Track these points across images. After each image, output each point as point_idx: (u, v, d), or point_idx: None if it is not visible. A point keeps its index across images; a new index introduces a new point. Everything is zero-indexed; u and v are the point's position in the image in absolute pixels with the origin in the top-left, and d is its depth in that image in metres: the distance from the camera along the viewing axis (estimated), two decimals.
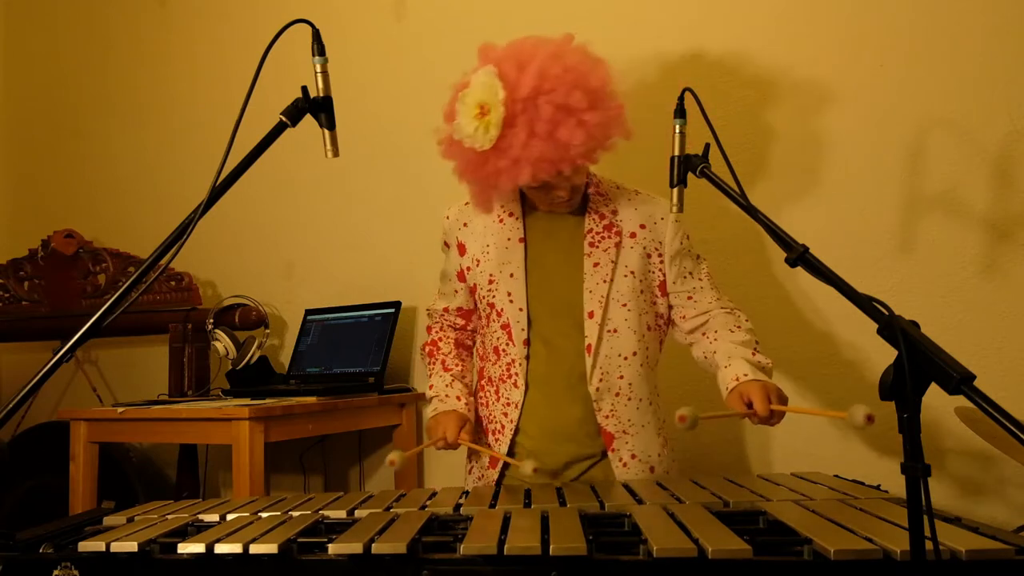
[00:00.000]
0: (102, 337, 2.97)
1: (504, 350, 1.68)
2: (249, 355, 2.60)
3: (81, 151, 3.34)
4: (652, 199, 1.72)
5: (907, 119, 2.04)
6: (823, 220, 2.10)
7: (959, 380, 0.86)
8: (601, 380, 1.63)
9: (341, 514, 1.31)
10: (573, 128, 1.46)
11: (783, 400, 1.47)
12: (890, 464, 2.00)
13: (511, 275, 1.67)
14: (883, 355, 0.89)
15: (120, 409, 2.30)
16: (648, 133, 2.31)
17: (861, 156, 2.08)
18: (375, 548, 1.06)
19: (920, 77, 2.03)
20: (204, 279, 2.97)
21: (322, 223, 2.82)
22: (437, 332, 1.84)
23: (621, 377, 1.65)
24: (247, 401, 2.26)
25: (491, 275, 1.69)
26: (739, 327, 1.66)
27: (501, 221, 1.70)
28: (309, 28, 1.35)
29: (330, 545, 1.09)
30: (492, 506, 1.33)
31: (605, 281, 1.64)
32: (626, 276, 1.66)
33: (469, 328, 1.83)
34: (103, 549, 1.15)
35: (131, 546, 1.14)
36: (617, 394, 1.64)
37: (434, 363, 1.80)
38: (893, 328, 0.93)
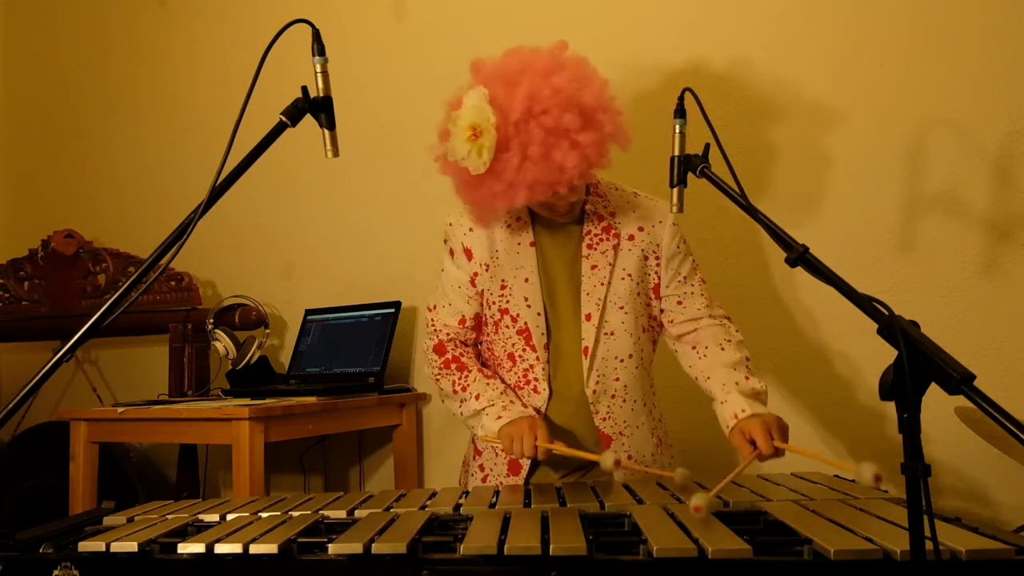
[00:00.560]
0: (102, 337, 2.97)
1: (520, 356, 1.65)
2: (249, 355, 2.60)
3: (81, 151, 3.34)
4: (651, 201, 1.72)
5: (907, 119, 2.04)
6: (823, 220, 2.10)
7: (959, 380, 0.86)
8: (598, 383, 1.63)
9: (341, 514, 1.31)
10: (567, 150, 1.45)
11: (784, 428, 1.48)
12: (890, 464, 2.00)
13: (526, 280, 1.65)
14: (883, 355, 0.89)
15: (120, 409, 2.30)
16: (648, 133, 2.30)
17: (861, 156, 2.08)
18: (375, 548, 1.06)
19: (920, 77, 2.03)
20: (204, 279, 2.97)
21: (322, 223, 2.82)
22: (454, 349, 1.71)
23: (617, 379, 1.65)
24: (247, 401, 2.26)
25: (503, 280, 1.66)
26: (729, 341, 1.65)
27: (508, 226, 1.68)
28: (309, 28, 1.35)
29: (330, 545, 1.09)
30: (492, 506, 1.33)
31: (602, 284, 1.64)
32: (623, 279, 1.65)
33: (479, 341, 1.77)
34: (103, 549, 1.14)
35: (131, 546, 1.14)
36: (613, 396, 1.65)
37: (467, 373, 1.67)
38: (893, 328, 0.93)
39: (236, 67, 2.91)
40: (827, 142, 2.12)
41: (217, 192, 1.31)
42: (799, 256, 1.15)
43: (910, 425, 0.87)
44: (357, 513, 1.31)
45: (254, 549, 1.10)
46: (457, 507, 1.32)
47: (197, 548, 1.12)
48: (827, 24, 2.12)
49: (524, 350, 1.65)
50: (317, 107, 1.37)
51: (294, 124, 1.36)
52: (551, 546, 1.02)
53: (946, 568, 0.95)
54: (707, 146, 1.44)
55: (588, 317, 1.63)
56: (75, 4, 3.38)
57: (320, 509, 1.34)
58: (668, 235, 1.69)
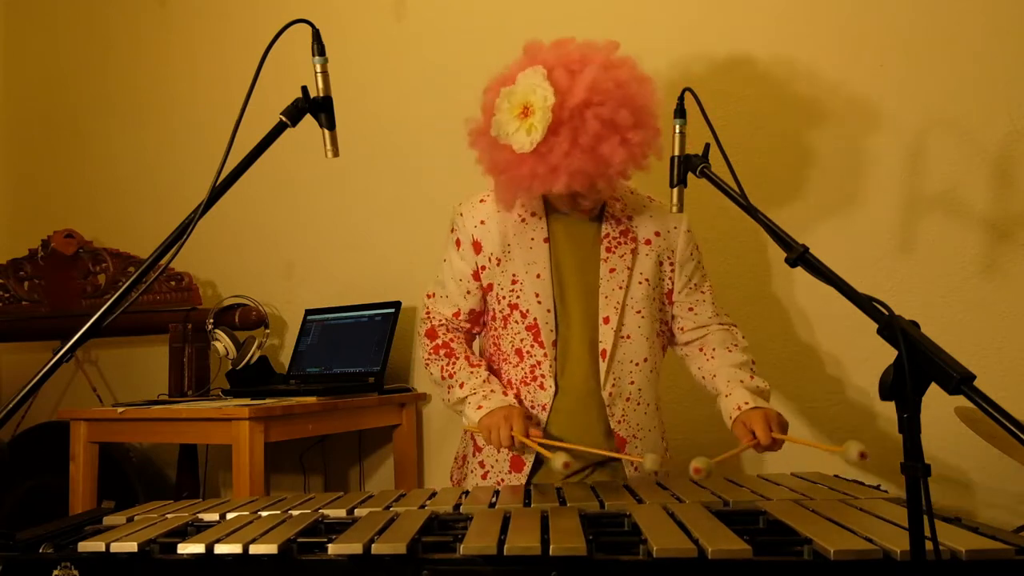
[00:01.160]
0: (102, 337, 2.97)
1: (528, 352, 1.65)
2: (249, 355, 2.60)
3: (81, 151, 3.34)
4: (665, 207, 1.72)
5: (907, 119, 2.04)
6: (823, 220, 2.10)
7: (959, 380, 0.86)
8: (614, 385, 1.64)
9: (341, 514, 1.31)
10: (616, 145, 1.46)
11: (783, 424, 1.53)
12: (890, 464, 2.00)
13: (538, 276, 1.65)
14: (883, 355, 0.89)
15: (120, 409, 2.30)
16: None
17: (861, 156, 2.08)
18: (375, 548, 1.06)
19: (920, 77, 2.03)
20: (204, 279, 2.97)
21: (322, 223, 2.82)
22: (445, 335, 1.74)
23: (632, 383, 1.66)
24: (247, 401, 2.26)
25: (515, 275, 1.66)
26: (736, 345, 1.69)
27: (523, 220, 1.67)
28: (309, 28, 1.35)
29: (330, 545, 1.09)
30: (492, 506, 1.33)
31: (621, 287, 1.64)
32: (641, 283, 1.66)
33: (474, 332, 1.79)
34: (103, 549, 1.14)
35: (131, 546, 1.14)
36: (628, 399, 1.65)
37: (454, 361, 1.69)
38: (893, 328, 0.93)
39: (236, 67, 2.91)
40: (827, 142, 2.12)
41: (217, 192, 1.31)
42: (799, 256, 1.15)
43: (910, 425, 0.87)
44: (357, 513, 1.31)
45: (254, 549, 1.10)
46: (457, 507, 1.32)
47: (197, 548, 1.12)
48: (827, 24, 2.12)
49: (532, 346, 1.64)
50: (317, 107, 1.37)
51: (294, 124, 1.36)
52: (551, 546, 1.02)
53: (946, 568, 0.95)
54: (707, 146, 1.44)
55: (607, 320, 1.63)
56: (75, 4, 3.38)
57: (320, 509, 1.34)
58: (683, 241, 1.70)
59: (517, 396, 1.66)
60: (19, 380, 3.12)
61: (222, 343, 2.61)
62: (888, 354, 0.90)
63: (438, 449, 2.60)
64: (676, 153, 1.48)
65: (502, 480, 1.68)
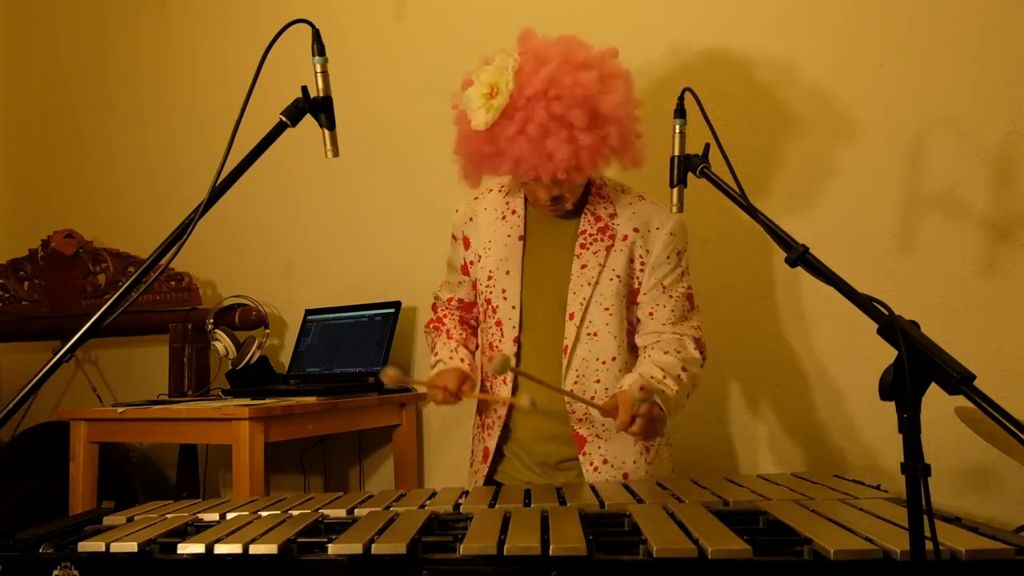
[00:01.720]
0: (102, 337, 2.97)
1: (497, 346, 1.69)
2: (249, 355, 2.60)
3: (81, 151, 3.34)
4: (655, 207, 1.68)
5: (907, 119, 2.04)
6: (823, 220, 2.10)
7: (959, 380, 0.86)
8: (576, 383, 1.63)
9: (341, 514, 1.31)
10: (562, 141, 1.47)
11: (655, 420, 1.48)
12: (890, 464, 2.00)
13: (507, 272, 1.68)
14: (883, 355, 0.89)
15: (120, 409, 2.30)
16: (647, 133, 2.30)
17: (861, 156, 2.08)
18: (375, 548, 1.06)
19: (920, 77, 2.03)
20: (204, 279, 2.97)
21: (322, 223, 2.82)
22: (442, 311, 1.85)
23: (598, 381, 1.63)
24: (247, 401, 2.26)
25: (490, 271, 1.70)
26: (678, 351, 1.62)
27: (504, 218, 1.71)
28: (309, 28, 1.35)
29: (330, 545, 1.09)
30: (492, 506, 1.33)
31: (590, 284, 1.63)
32: (611, 280, 1.64)
33: (472, 316, 1.85)
34: (103, 549, 1.15)
35: (131, 546, 1.14)
36: (592, 398, 1.62)
37: (439, 335, 1.79)
38: (893, 328, 0.93)
39: (236, 67, 2.91)
40: (827, 142, 2.12)
41: (217, 192, 1.31)
42: (799, 256, 1.15)
43: (910, 425, 0.87)
44: (357, 513, 1.31)
45: (254, 549, 1.10)
46: (457, 507, 1.32)
47: (197, 548, 1.12)
48: (827, 24, 2.12)
49: (500, 341, 1.68)
50: (317, 107, 1.37)
51: (294, 124, 1.36)
52: (551, 546, 1.02)
53: (946, 568, 0.95)
54: (707, 146, 1.44)
55: (571, 316, 1.63)
56: (75, 4, 3.38)
57: (320, 509, 1.34)
58: (662, 243, 1.65)
59: (492, 387, 1.72)
60: (19, 380, 3.12)
61: (222, 343, 2.61)
62: (888, 354, 0.90)
63: (438, 449, 2.60)
64: (676, 153, 1.48)
65: (476, 469, 1.75)
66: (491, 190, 1.77)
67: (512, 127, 1.48)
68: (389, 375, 1.44)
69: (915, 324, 0.94)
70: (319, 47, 1.36)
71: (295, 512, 1.33)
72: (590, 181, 1.68)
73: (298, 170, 2.77)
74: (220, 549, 1.11)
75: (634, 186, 1.76)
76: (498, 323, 1.68)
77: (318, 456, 2.74)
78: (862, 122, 2.08)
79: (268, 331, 2.72)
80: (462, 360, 1.69)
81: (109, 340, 3.09)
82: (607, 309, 1.63)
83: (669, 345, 1.64)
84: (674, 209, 1.49)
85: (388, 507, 1.34)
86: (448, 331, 1.79)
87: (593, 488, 1.43)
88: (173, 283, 2.91)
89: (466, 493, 1.46)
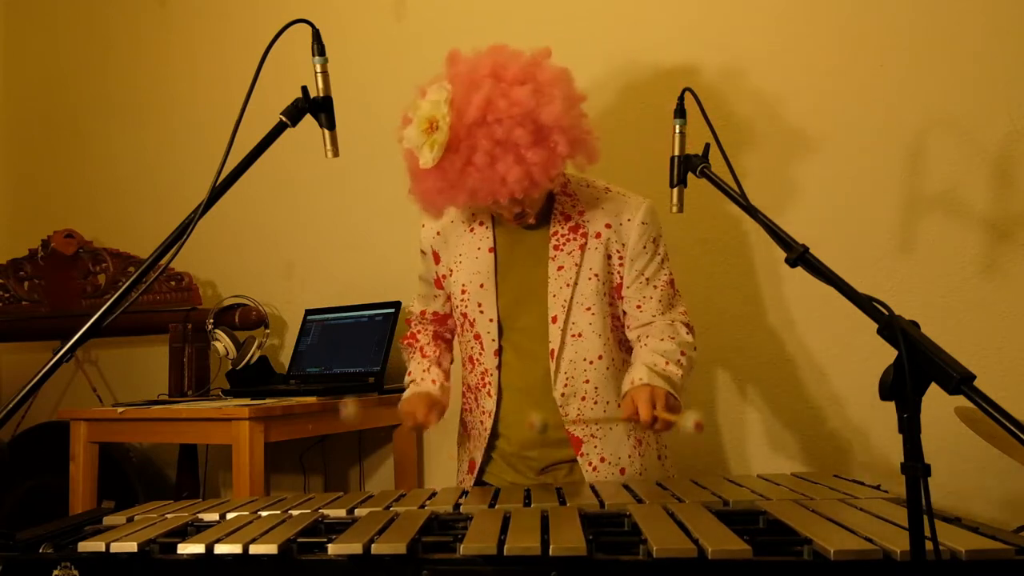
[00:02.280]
0: (102, 337, 2.97)
1: (478, 359, 1.68)
2: (249, 355, 2.60)
3: (81, 151, 3.34)
4: (622, 198, 1.67)
5: (907, 119, 2.04)
6: (823, 220, 2.10)
7: (959, 380, 0.86)
8: (566, 385, 1.62)
9: (341, 514, 1.31)
10: (511, 164, 1.45)
11: (673, 406, 1.47)
12: (890, 464, 2.00)
13: (481, 285, 1.66)
14: (883, 355, 0.89)
15: (120, 409, 2.30)
16: (647, 133, 2.31)
17: (861, 155, 2.08)
18: (375, 548, 1.06)
19: (920, 77, 2.03)
20: (204, 279, 2.97)
21: (322, 223, 2.82)
22: (416, 326, 1.85)
23: (587, 381, 1.63)
24: (247, 401, 2.26)
25: (463, 286, 1.68)
26: (672, 338, 1.62)
27: (472, 231, 1.70)
28: (309, 28, 1.35)
29: (330, 545, 1.09)
30: (492, 506, 1.33)
31: (568, 285, 1.62)
32: (590, 279, 1.62)
33: (446, 329, 1.85)
34: (103, 549, 1.15)
35: (131, 546, 1.14)
36: (583, 398, 1.63)
37: (413, 352, 1.81)
38: (893, 328, 0.93)
39: (236, 67, 2.91)
40: (827, 142, 2.12)
41: (217, 192, 1.31)
42: (799, 256, 1.15)
43: (910, 425, 0.87)
44: (357, 513, 1.31)
45: (254, 549, 1.10)
46: (457, 507, 1.32)
47: (197, 548, 1.12)
48: (827, 24, 2.12)
49: (480, 354, 1.68)
50: (317, 107, 1.37)
51: (294, 124, 1.36)
52: (551, 546, 1.02)
53: (946, 568, 0.95)
54: (707, 146, 1.44)
55: (554, 320, 1.62)
56: (75, 4, 3.38)
57: (320, 509, 1.34)
58: (636, 233, 1.64)
59: (475, 399, 1.71)
60: (19, 380, 3.12)
61: (222, 343, 2.61)
62: (888, 354, 0.90)
63: (438, 449, 2.60)
64: (676, 153, 1.47)
65: (463, 480, 1.76)
66: None
67: (459, 159, 1.45)
68: (347, 409, 1.48)
69: (915, 324, 0.94)
70: (319, 47, 1.36)
71: (295, 512, 1.33)
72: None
73: (298, 170, 2.77)
74: (220, 549, 1.11)
75: (630, 186, 1.76)
76: (476, 336, 1.67)
77: (318, 456, 2.74)
78: (862, 122, 2.08)
79: (268, 331, 2.72)
80: (433, 381, 1.69)
81: (109, 340, 3.09)
82: (589, 309, 1.62)
83: (663, 332, 1.63)
84: (674, 209, 1.49)
85: (388, 507, 1.34)
86: (422, 348, 1.80)
87: (593, 488, 1.43)
88: (173, 283, 2.91)
89: (466, 493, 1.46)
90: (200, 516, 1.34)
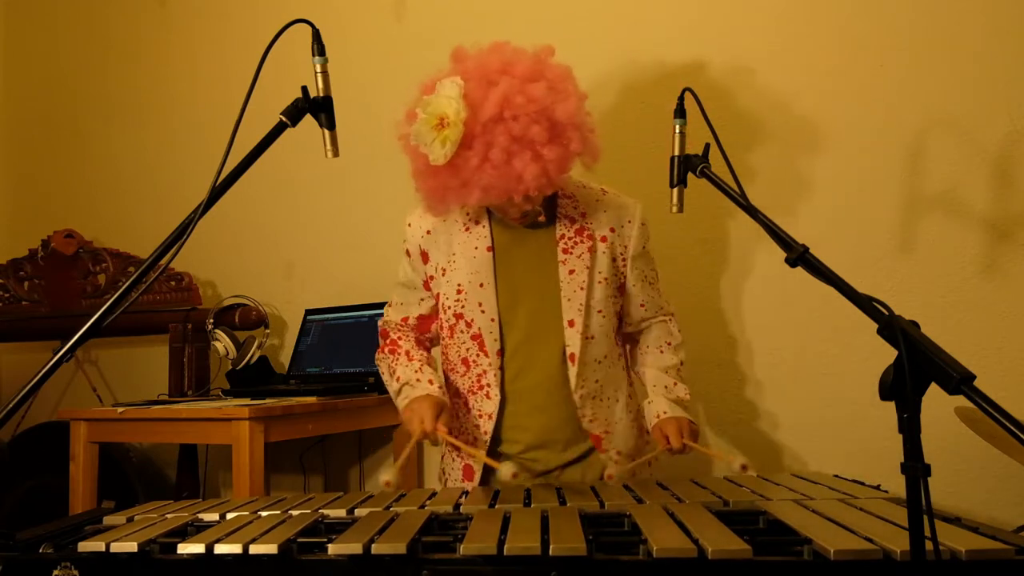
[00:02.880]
0: (102, 337, 2.97)
1: (475, 361, 1.64)
2: (249, 355, 2.60)
3: (81, 151, 3.34)
4: (620, 200, 1.70)
5: (907, 119, 2.04)
6: (823, 220, 2.10)
7: (959, 380, 0.86)
8: (583, 387, 1.63)
9: (341, 514, 1.31)
10: (528, 161, 1.44)
11: (695, 432, 1.64)
12: (890, 464, 2.00)
13: (481, 285, 1.63)
14: (883, 355, 0.89)
15: (120, 409, 2.30)
16: (647, 133, 2.31)
17: (861, 156, 2.08)
18: (375, 548, 1.06)
19: (920, 77, 2.03)
20: (204, 279, 2.97)
21: (322, 223, 2.82)
22: (395, 334, 1.76)
23: (597, 381, 1.65)
24: (247, 401, 2.26)
25: (459, 285, 1.64)
26: (669, 344, 1.75)
27: (467, 229, 1.66)
28: (309, 28, 1.35)
29: (330, 545, 1.09)
30: (492, 506, 1.33)
31: (582, 288, 1.62)
32: (600, 283, 1.64)
33: (425, 337, 1.78)
34: (103, 549, 1.15)
35: (131, 546, 1.14)
36: (595, 398, 1.65)
37: (397, 357, 1.70)
38: (893, 328, 0.93)
39: (236, 67, 2.91)
40: (827, 142, 2.12)
41: (217, 192, 1.31)
42: (799, 256, 1.15)
43: (910, 425, 0.87)
44: (357, 513, 1.31)
45: (254, 549, 1.10)
46: (457, 507, 1.32)
47: (197, 548, 1.12)
48: (827, 24, 2.12)
49: (478, 355, 1.64)
50: (317, 107, 1.37)
51: (294, 124, 1.36)
52: (551, 546, 1.02)
53: (946, 568, 0.96)
54: (707, 146, 1.44)
55: (571, 323, 1.61)
56: (75, 4, 3.38)
57: (320, 509, 1.34)
58: (636, 236, 1.68)
59: (465, 403, 1.67)
60: (19, 380, 3.12)
61: (222, 343, 2.61)
62: (888, 354, 0.90)
63: (438, 449, 2.59)
64: (676, 153, 1.47)
65: (450, 482, 1.72)
66: None
67: (474, 156, 1.43)
68: (387, 481, 1.29)
69: (915, 324, 0.94)
70: (319, 47, 1.36)
71: (295, 512, 1.33)
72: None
73: (298, 170, 2.77)
74: (220, 549, 1.11)
75: (630, 186, 1.76)
76: (475, 337, 1.63)
77: (318, 456, 2.74)
78: (862, 122, 2.08)
79: (268, 331, 2.72)
80: (430, 382, 1.61)
81: (109, 340, 3.09)
82: (600, 312, 1.64)
83: (660, 338, 1.75)
84: (674, 209, 1.49)
85: (388, 507, 1.34)
86: (407, 352, 1.70)
87: (593, 488, 1.43)
88: (173, 283, 2.91)
89: (466, 493, 1.46)
90: (200, 516, 1.34)
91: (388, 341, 1.76)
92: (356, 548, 1.06)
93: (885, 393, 0.90)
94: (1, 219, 3.53)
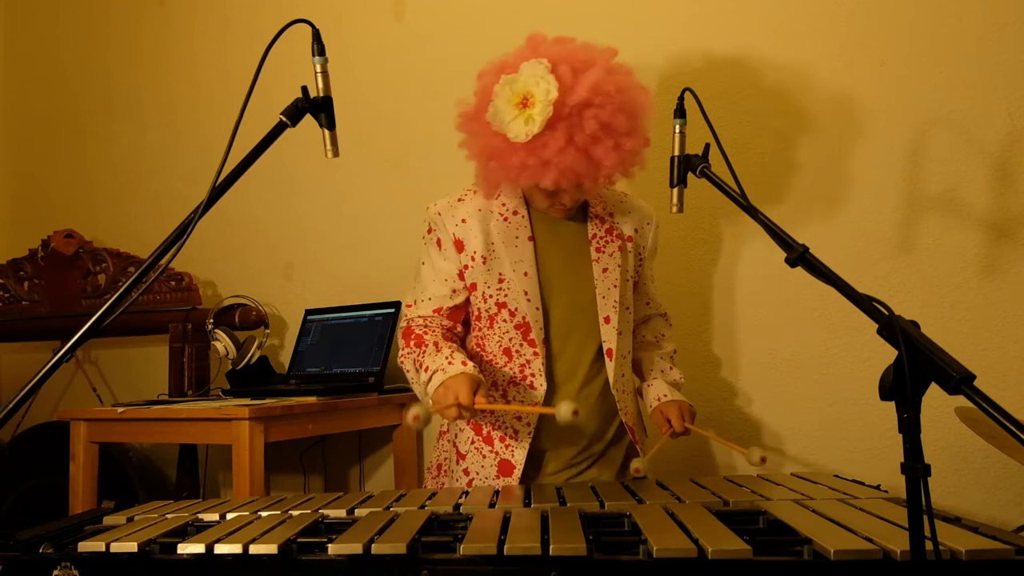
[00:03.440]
0: (102, 337, 2.97)
1: (518, 351, 1.63)
2: (249, 355, 2.60)
3: (81, 151, 3.34)
4: (639, 203, 1.77)
5: (907, 119, 2.04)
6: (823, 220, 2.10)
7: (959, 380, 0.86)
8: (616, 381, 1.67)
9: (341, 514, 1.31)
10: (609, 149, 1.47)
11: (693, 414, 1.73)
12: (890, 464, 2.00)
13: (525, 273, 1.63)
14: (883, 355, 0.89)
15: (120, 409, 2.30)
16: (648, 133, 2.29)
17: (861, 156, 2.08)
18: (375, 548, 1.06)
19: (920, 77, 2.03)
20: (204, 279, 2.97)
21: (322, 223, 2.82)
22: (420, 329, 1.66)
23: (624, 375, 1.71)
24: (247, 401, 2.26)
25: (501, 274, 1.63)
26: (663, 336, 1.86)
27: (505, 219, 1.66)
28: (309, 28, 1.35)
29: (330, 545, 1.09)
30: (492, 506, 1.33)
31: (615, 286, 1.67)
32: (627, 281, 1.71)
33: (456, 330, 1.72)
34: (103, 549, 1.15)
35: (131, 546, 1.14)
36: (623, 391, 1.70)
37: (424, 350, 1.59)
38: (893, 328, 0.93)
39: (236, 67, 2.91)
40: (827, 142, 2.12)
41: (217, 192, 1.31)
42: (799, 256, 1.15)
43: (910, 425, 0.87)
44: (357, 513, 1.31)
45: (254, 549, 1.10)
46: (457, 507, 1.32)
47: (197, 548, 1.12)
48: (827, 24, 2.12)
49: (522, 345, 1.63)
50: (317, 107, 1.37)
51: (294, 124, 1.36)
52: (551, 546, 1.02)
53: (946, 568, 0.96)
54: (707, 146, 1.44)
55: (607, 320, 1.66)
56: (75, 4, 3.38)
57: (320, 509, 1.34)
58: (653, 237, 1.77)
59: (504, 395, 1.65)
60: (19, 380, 3.12)
61: (222, 343, 2.61)
62: (888, 354, 0.90)
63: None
64: (676, 153, 1.48)
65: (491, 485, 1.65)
66: (473, 191, 1.68)
67: (560, 138, 1.44)
68: (414, 415, 1.29)
69: (915, 324, 0.94)
70: (319, 47, 1.36)
71: (295, 512, 1.33)
72: None
73: (298, 170, 2.77)
74: (220, 549, 1.11)
75: (630, 186, 1.77)
76: (519, 326, 1.62)
77: (318, 456, 2.74)
78: (862, 122, 2.08)
79: (268, 331, 2.72)
80: (464, 363, 1.50)
81: (109, 340, 3.09)
82: (628, 308, 1.72)
83: (656, 329, 1.87)
84: (674, 209, 1.50)
85: (388, 507, 1.34)
86: (435, 343, 1.59)
87: (593, 488, 1.43)
88: (173, 283, 2.90)
89: (466, 493, 1.46)
90: (200, 516, 1.34)
91: (413, 337, 1.65)
92: (356, 548, 1.06)
93: (885, 393, 0.90)
94: (1, 219, 3.53)
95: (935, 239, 2.01)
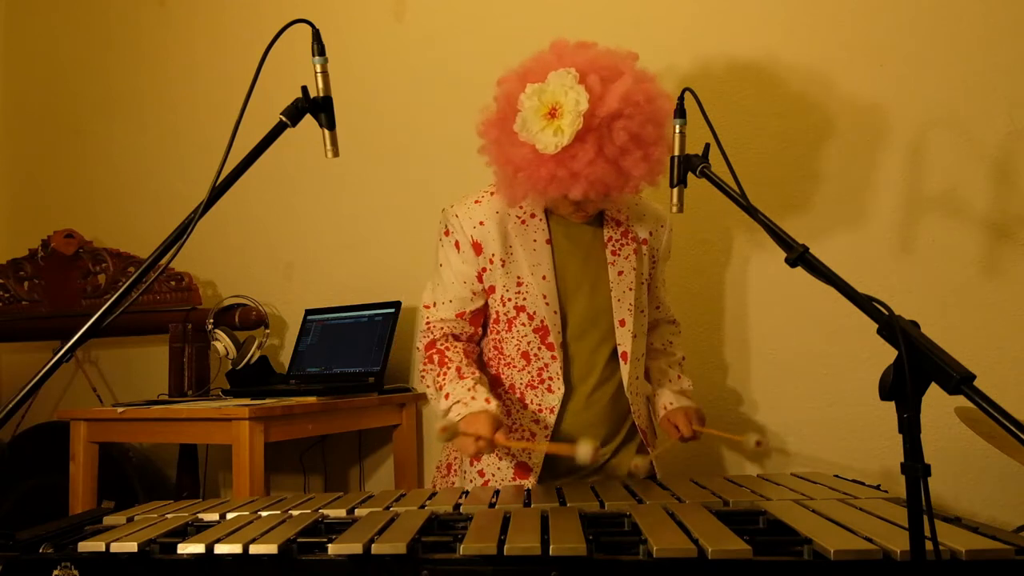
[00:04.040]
0: (102, 337, 2.97)
1: (536, 354, 1.63)
2: (249, 355, 2.60)
3: (81, 151, 3.34)
4: (652, 207, 1.77)
5: (907, 119, 2.04)
6: (823, 220, 2.10)
7: (959, 380, 0.86)
8: (630, 384, 1.68)
9: (341, 514, 1.31)
10: (639, 160, 1.45)
11: (702, 418, 1.75)
12: (890, 464, 2.00)
13: (543, 277, 1.62)
14: (883, 355, 0.89)
15: (120, 409, 2.30)
16: None
17: (861, 155, 2.08)
18: (375, 548, 1.06)
19: (920, 77, 2.03)
20: (204, 279, 2.97)
21: (322, 223, 2.82)
22: (442, 343, 1.68)
23: (637, 377, 1.72)
24: (247, 401, 2.26)
25: (519, 277, 1.63)
26: (671, 343, 1.87)
27: (523, 222, 1.64)
28: (309, 28, 1.35)
29: (330, 545, 1.09)
30: (492, 506, 1.33)
31: (630, 289, 1.67)
32: (642, 284, 1.71)
33: (475, 337, 1.73)
34: (103, 549, 1.15)
35: (131, 546, 1.14)
36: (637, 394, 1.72)
37: (445, 371, 1.62)
38: (893, 328, 0.93)
39: (236, 67, 2.91)
40: (827, 142, 2.12)
41: (217, 192, 1.31)
42: (799, 256, 1.15)
43: (910, 425, 0.87)
44: (357, 513, 1.31)
45: (254, 549, 1.10)
46: (457, 507, 1.32)
47: (197, 548, 1.12)
48: (827, 24, 2.12)
49: (540, 348, 1.63)
50: (317, 107, 1.37)
51: (294, 124, 1.36)
52: (551, 546, 1.02)
53: (946, 568, 0.96)
54: (707, 146, 1.44)
55: (623, 323, 1.66)
56: (75, 4, 3.38)
57: (320, 509, 1.34)
58: (666, 240, 1.77)
59: (521, 399, 1.65)
60: (19, 380, 3.12)
61: (222, 343, 2.61)
62: (888, 354, 0.90)
63: (438, 449, 2.59)
64: (676, 153, 1.48)
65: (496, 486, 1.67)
66: (490, 192, 1.67)
67: (590, 149, 1.41)
68: (441, 428, 1.43)
69: (915, 324, 0.94)
70: (319, 47, 1.36)
71: (295, 512, 1.33)
72: None
73: (298, 170, 2.77)
74: (220, 549, 1.11)
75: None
76: (537, 330, 1.62)
77: (318, 456, 2.74)
78: (862, 122, 2.08)
79: (268, 331, 2.72)
80: (487, 400, 1.52)
81: (109, 340, 3.09)
82: (642, 311, 1.72)
83: (664, 335, 1.86)
84: (674, 209, 1.49)
85: (388, 507, 1.34)
86: (458, 368, 1.61)
87: (593, 488, 1.43)
88: (173, 283, 2.90)
89: (466, 493, 1.46)
90: (200, 516, 1.34)
91: (436, 351, 1.66)
92: (356, 548, 1.06)
93: (885, 393, 0.90)
94: (1, 219, 3.53)
95: (935, 239, 2.01)
